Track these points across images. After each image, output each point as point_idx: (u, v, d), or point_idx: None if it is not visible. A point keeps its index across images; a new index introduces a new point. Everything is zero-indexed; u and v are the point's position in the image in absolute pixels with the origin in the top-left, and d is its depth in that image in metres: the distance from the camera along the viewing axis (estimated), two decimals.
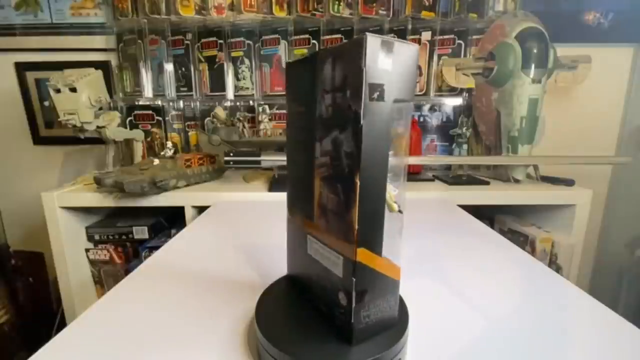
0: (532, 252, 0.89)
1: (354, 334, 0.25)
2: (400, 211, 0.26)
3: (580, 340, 0.31)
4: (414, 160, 0.98)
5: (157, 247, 0.87)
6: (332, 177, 0.25)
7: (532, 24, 0.88)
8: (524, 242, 0.92)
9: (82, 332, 0.32)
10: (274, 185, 0.88)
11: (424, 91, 1.15)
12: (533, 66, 0.87)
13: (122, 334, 0.32)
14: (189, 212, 0.84)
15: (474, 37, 1.10)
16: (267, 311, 0.29)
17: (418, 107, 1.16)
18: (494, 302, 0.38)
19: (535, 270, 0.46)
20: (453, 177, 1.01)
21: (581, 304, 0.37)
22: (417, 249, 0.53)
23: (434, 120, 1.17)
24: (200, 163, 0.94)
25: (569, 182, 0.92)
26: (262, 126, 1.12)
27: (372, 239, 0.24)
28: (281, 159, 0.85)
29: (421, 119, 1.17)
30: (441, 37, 1.11)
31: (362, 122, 0.21)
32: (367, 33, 0.21)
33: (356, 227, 0.23)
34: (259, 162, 0.82)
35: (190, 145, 1.21)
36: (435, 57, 1.11)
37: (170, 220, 0.99)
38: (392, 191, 0.25)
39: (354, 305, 0.24)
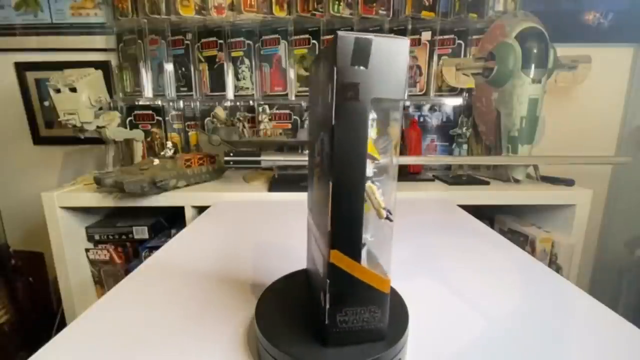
0: (532, 252, 0.89)
1: (327, 335, 0.25)
2: (389, 218, 0.24)
3: (580, 340, 0.31)
4: (414, 160, 0.98)
5: (157, 247, 0.86)
6: (321, 177, 0.26)
7: (532, 24, 0.88)
8: (524, 242, 0.92)
9: (82, 332, 0.32)
10: (274, 185, 0.88)
11: (424, 91, 1.15)
12: (533, 66, 0.87)
13: (122, 334, 0.32)
14: (189, 212, 0.84)
15: (474, 37, 1.10)
16: (267, 311, 0.29)
17: (418, 107, 1.16)
18: (494, 302, 0.38)
19: (535, 270, 0.46)
20: (453, 177, 1.01)
21: (581, 304, 0.37)
22: (417, 249, 0.53)
23: (434, 120, 1.17)
24: (200, 163, 0.94)
25: (569, 182, 0.92)
26: (262, 126, 1.12)
27: (347, 242, 0.23)
28: (281, 158, 0.85)
29: (421, 119, 1.17)
30: (441, 37, 1.11)
31: (333, 122, 0.21)
32: (338, 31, 0.20)
33: (329, 227, 0.23)
34: (259, 162, 0.82)
35: (190, 145, 1.21)
36: (435, 57, 1.11)
37: (170, 220, 0.99)
38: (379, 197, 0.23)
39: (327, 306, 0.24)
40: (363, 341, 0.26)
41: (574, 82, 1.02)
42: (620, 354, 0.29)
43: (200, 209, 0.83)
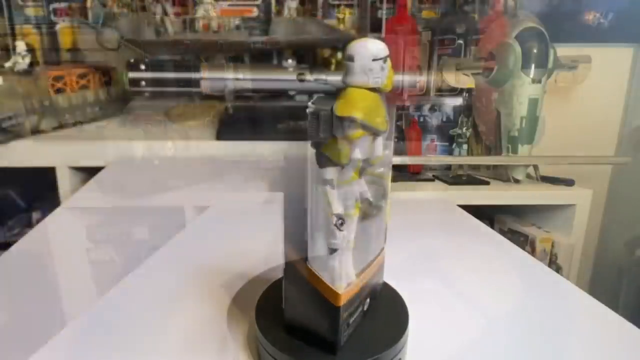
0: (532, 252, 0.89)
1: (285, 322, 0.26)
2: (337, 226, 0.22)
3: (580, 340, 0.31)
4: (414, 160, 0.98)
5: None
6: None
7: (532, 24, 0.88)
8: (524, 242, 0.92)
9: (82, 332, 0.32)
10: (224, 128, 0.53)
11: (424, 91, 1.15)
12: (533, 66, 0.87)
13: (121, 334, 0.32)
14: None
15: (474, 37, 1.10)
16: (267, 311, 0.29)
17: (418, 107, 1.16)
18: (494, 302, 0.38)
19: (535, 270, 0.46)
20: (453, 177, 1.00)
21: (581, 304, 0.37)
22: (417, 249, 0.53)
23: (434, 120, 1.17)
24: (82, 84, 0.55)
25: (569, 182, 0.92)
26: (200, 11, 0.61)
27: (296, 240, 0.24)
28: (240, 76, 0.50)
29: (421, 119, 1.17)
30: (441, 37, 1.11)
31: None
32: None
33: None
34: (195, 81, 0.47)
35: (62, 51, 0.69)
36: (435, 57, 1.11)
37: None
38: (333, 202, 0.22)
39: (283, 292, 0.26)
40: (313, 345, 0.25)
41: (574, 82, 1.02)
42: (620, 354, 0.29)
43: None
